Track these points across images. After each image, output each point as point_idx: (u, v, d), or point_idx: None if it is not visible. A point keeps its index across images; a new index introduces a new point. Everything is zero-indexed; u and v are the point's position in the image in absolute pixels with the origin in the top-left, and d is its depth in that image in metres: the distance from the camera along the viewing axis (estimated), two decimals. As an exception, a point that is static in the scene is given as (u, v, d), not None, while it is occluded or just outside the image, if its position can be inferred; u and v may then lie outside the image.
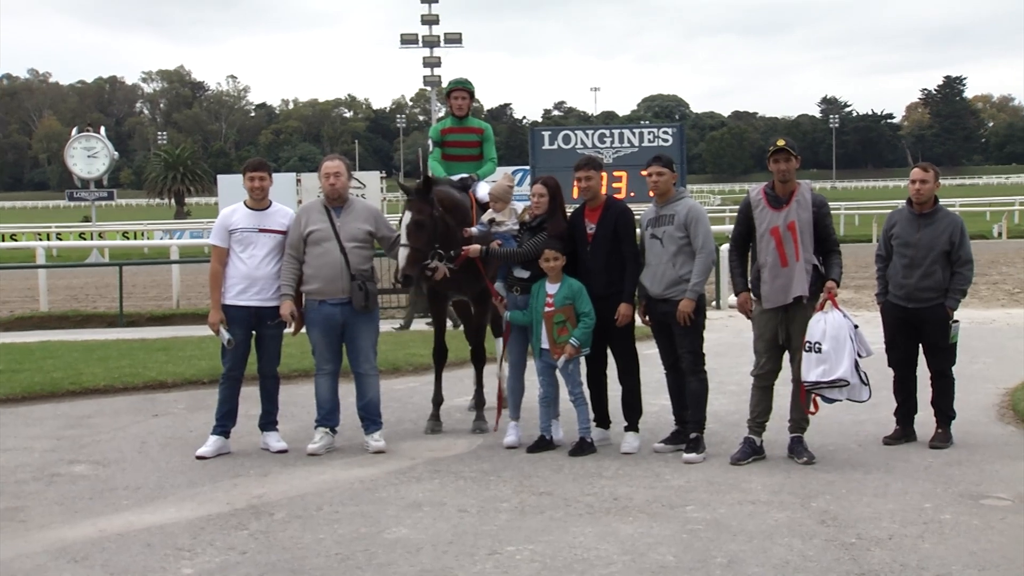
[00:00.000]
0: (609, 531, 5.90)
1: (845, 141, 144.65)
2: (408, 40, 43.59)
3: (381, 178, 23.52)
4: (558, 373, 7.76)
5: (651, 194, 7.81)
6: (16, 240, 40.58)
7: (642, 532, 5.87)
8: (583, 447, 7.60)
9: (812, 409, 7.37)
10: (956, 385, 8.13)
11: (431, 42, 42.88)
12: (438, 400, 8.64)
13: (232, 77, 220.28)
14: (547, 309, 7.57)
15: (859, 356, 7.24)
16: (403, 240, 7.75)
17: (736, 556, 5.45)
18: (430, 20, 42.72)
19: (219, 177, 23.24)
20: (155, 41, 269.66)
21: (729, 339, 13.45)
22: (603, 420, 8.01)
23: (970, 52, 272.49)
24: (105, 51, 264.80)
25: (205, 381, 10.40)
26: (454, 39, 43.80)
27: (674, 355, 7.66)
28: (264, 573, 5.39)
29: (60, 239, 38.05)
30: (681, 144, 18.94)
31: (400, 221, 7.97)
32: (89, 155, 36.81)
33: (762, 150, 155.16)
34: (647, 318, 7.76)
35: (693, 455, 7.37)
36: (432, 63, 43.36)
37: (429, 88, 41.14)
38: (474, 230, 8.12)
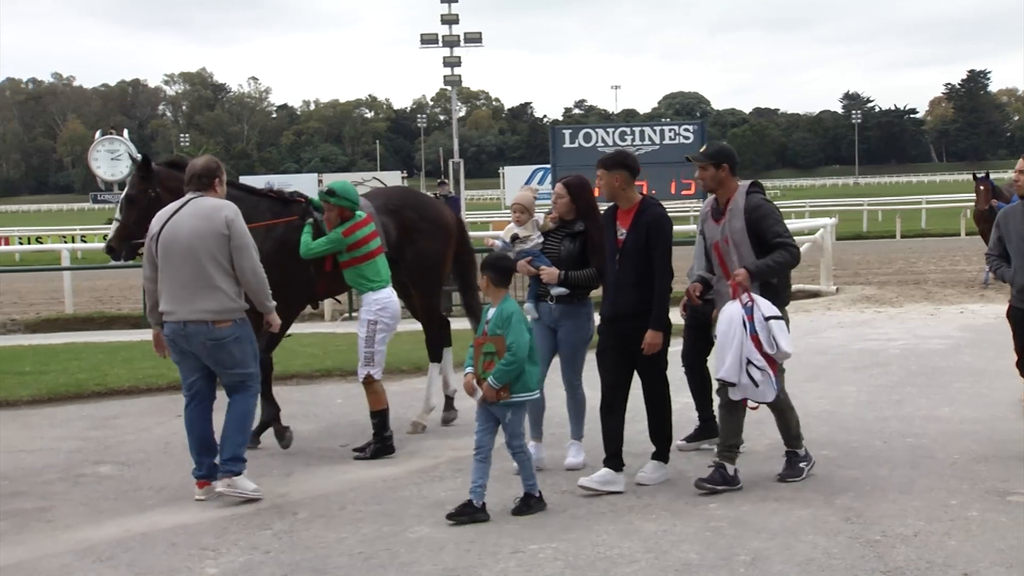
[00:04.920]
0: (632, 529, 5.89)
1: (868, 137, 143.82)
2: (428, 40, 43.64)
3: (402, 178, 23.59)
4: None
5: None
6: (41, 243, 40.91)
7: (665, 530, 5.85)
8: (528, 504, 6.27)
9: (752, 405, 6.70)
10: (981, 381, 8.06)
11: (451, 41, 42.91)
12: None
13: (253, 79, 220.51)
14: (479, 337, 6.42)
15: (768, 353, 6.40)
16: (116, 214, 7.94)
17: (760, 554, 5.43)
18: (450, 20, 42.76)
19: (242, 179, 23.37)
20: (177, 43, 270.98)
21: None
22: (615, 460, 6.74)
23: (995, 46, 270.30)
24: (127, 54, 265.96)
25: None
26: (474, 38, 43.80)
27: (700, 354, 7.53)
28: (288, 572, 5.41)
29: (85, 241, 38.31)
30: (702, 142, 18.87)
31: None
32: (113, 158, 36.98)
33: (784, 147, 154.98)
34: (694, 302, 6.96)
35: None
36: (452, 62, 43.38)
37: (449, 88, 41.17)
38: (498, 243, 7.57)
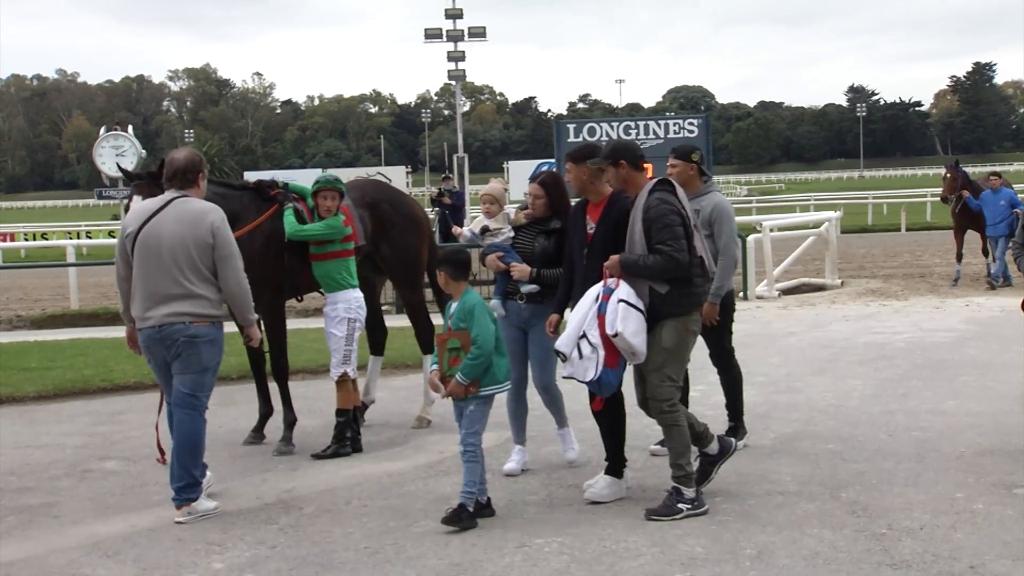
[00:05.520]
0: (638, 523, 5.89)
1: (873, 130, 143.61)
2: (432, 34, 43.58)
3: (407, 173, 23.58)
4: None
5: None
6: (47, 239, 40.99)
7: (670, 524, 5.84)
8: (459, 516, 5.89)
9: (594, 407, 6.46)
10: (987, 374, 8.04)
11: (455, 36, 42.86)
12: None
13: (258, 74, 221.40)
14: (442, 333, 6.23)
15: (609, 334, 5.99)
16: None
17: (766, 547, 5.43)
18: (454, 14, 42.71)
19: (246, 175, 23.37)
20: (181, 39, 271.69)
21: (758, 330, 13.39)
22: (616, 465, 6.48)
23: (1001, 38, 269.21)
24: (132, 50, 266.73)
25: (234, 377, 10.45)
26: (478, 33, 43.73)
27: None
28: (294, 567, 5.42)
29: (90, 237, 38.34)
30: (707, 135, 18.87)
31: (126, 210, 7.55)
32: (118, 154, 36.97)
33: (789, 140, 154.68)
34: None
35: (737, 442, 7.11)
36: (456, 57, 43.34)
37: (454, 83, 41.13)
38: (466, 232, 7.38)
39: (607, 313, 5.97)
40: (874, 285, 17.98)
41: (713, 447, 6.39)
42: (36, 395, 10.23)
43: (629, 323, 5.94)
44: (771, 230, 17.95)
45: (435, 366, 6.18)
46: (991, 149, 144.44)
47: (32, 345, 13.43)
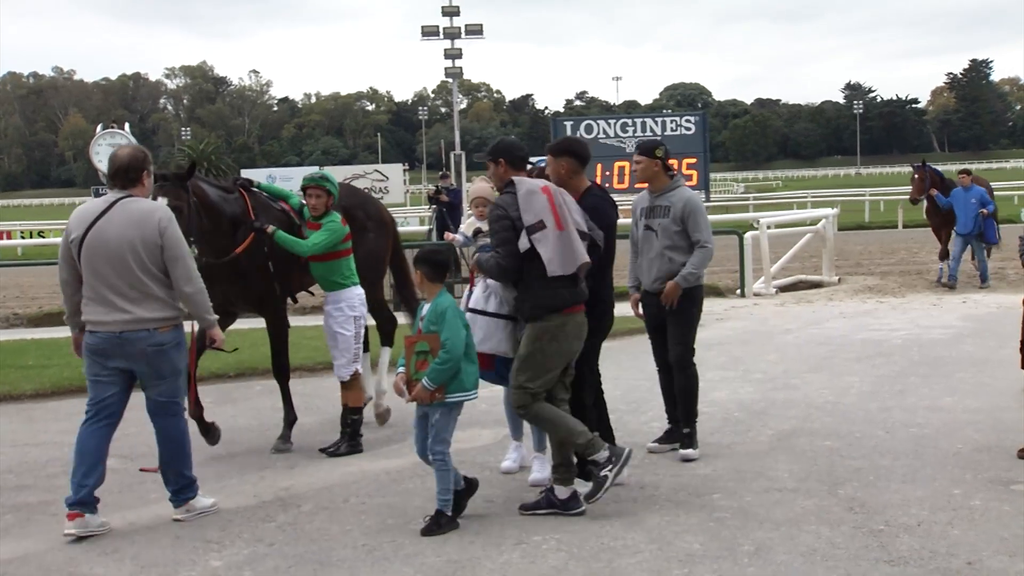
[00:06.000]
0: (636, 520, 5.90)
1: (870, 127, 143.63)
2: (429, 32, 43.51)
3: (404, 170, 23.54)
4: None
5: (638, 185, 7.48)
6: (44, 237, 40.88)
7: (668, 521, 5.86)
8: (439, 523, 5.79)
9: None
10: (984, 371, 8.05)
11: (452, 34, 42.80)
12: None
13: (254, 72, 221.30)
14: (411, 335, 6.10)
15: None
16: None
17: (763, 544, 5.43)
18: (451, 12, 42.66)
19: (243, 172, 23.36)
20: (177, 37, 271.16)
21: (755, 327, 13.40)
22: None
23: (998, 35, 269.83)
24: (128, 48, 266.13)
25: (232, 375, 10.45)
26: (475, 30, 43.68)
27: (667, 352, 7.27)
28: (292, 565, 5.42)
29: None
30: (704, 132, 18.90)
31: None
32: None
33: (786, 137, 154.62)
34: (640, 311, 7.36)
35: (690, 451, 7.09)
36: (453, 55, 43.28)
37: (451, 80, 41.11)
38: (459, 237, 7.26)
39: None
40: (871, 282, 17.98)
41: (601, 455, 6.08)
42: (33, 393, 10.22)
43: (475, 332, 6.09)
44: (768, 227, 17.94)
45: (402, 369, 5.95)
46: (988, 146, 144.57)
47: (29, 343, 13.42)
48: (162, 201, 6.69)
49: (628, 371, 9.83)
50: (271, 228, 7.55)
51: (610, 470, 6.02)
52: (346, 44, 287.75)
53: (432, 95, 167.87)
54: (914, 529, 5.58)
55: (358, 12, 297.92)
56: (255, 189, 8.05)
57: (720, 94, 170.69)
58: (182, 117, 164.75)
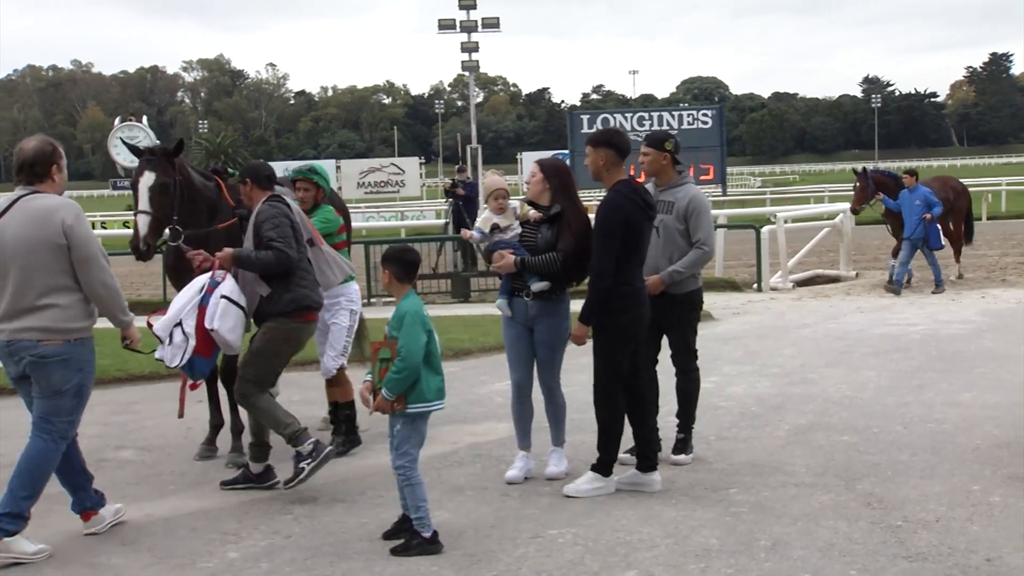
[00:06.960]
0: (652, 514, 5.89)
1: (888, 121, 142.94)
2: (445, 25, 43.46)
3: (420, 164, 23.54)
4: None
5: (642, 177, 7.20)
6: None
7: (685, 515, 5.85)
8: (408, 546, 5.45)
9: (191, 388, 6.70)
10: (1003, 366, 8.00)
11: (469, 27, 42.72)
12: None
13: (271, 65, 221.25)
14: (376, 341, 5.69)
15: (207, 328, 6.26)
16: (143, 206, 7.00)
17: (780, 539, 5.41)
18: (467, 5, 42.61)
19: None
20: (195, 30, 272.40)
21: (771, 321, 13.36)
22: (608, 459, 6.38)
23: (1018, 28, 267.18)
24: (146, 41, 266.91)
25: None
26: (492, 23, 43.61)
27: (651, 357, 6.92)
28: (308, 557, 5.43)
29: (105, 228, 38.44)
30: (720, 126, 18.83)
31: (136, 185, 7.14)
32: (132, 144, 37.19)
33: (803, 131, 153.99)
34: None
35: (682, 456, 6.94)
36: (470, 48, 43.24)
37: (467, 73, 41.05)
38: (475, 234, 6.79)
39: (208, 306, 6.30)
40: (871, 278, 17.89)
41: (305, 448, 6.34)
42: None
43: (227, 319, 6.30)
44: (785, 221, 17.88)
45: (368, 378, 5.60)
46: (1007, 140, 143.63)
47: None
48: (149, 175, 6.88)
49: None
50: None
51: (308, 463, 6.33)
52: (363, 37, 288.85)
53: (448, 88, 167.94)
54: (932, 525, 5.55)
55: (375, 5, 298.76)
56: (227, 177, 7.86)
57: (737, 87, 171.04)
58: (199, 110, 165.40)
